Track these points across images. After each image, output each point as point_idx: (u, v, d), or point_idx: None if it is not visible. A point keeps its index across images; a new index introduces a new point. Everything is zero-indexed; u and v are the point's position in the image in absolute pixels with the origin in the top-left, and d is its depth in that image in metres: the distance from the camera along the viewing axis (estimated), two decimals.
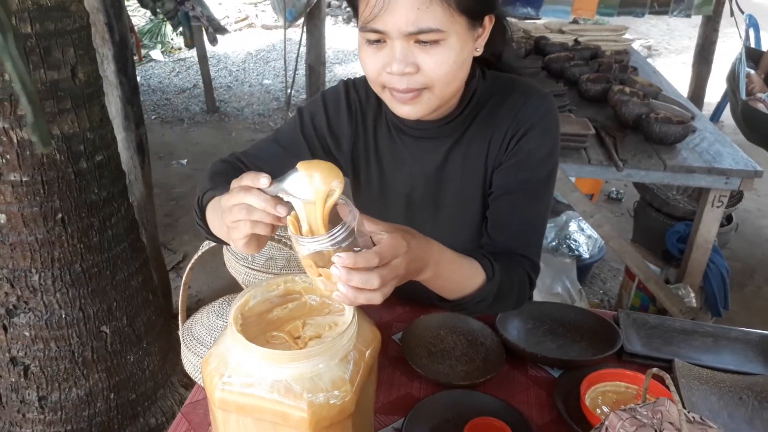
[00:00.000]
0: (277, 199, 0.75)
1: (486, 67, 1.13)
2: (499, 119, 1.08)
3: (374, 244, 0.78)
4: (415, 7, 0.86)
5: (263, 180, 0.76)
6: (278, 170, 1.21)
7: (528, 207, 1.10)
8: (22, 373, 1.98)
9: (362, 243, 0.75)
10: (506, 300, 1.06)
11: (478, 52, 1.00)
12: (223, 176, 1.14)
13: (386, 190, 1.20)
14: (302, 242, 0.73)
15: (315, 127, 1.17)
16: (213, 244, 1.09)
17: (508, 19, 1.11)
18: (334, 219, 0.75)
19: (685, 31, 9.54)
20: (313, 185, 0.73)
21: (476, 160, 1.12)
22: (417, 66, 0.91)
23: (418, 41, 0.89)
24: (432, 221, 1.19)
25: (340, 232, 0.72)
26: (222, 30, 5.46)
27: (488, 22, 0.98)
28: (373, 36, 0.91)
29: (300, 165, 0.74)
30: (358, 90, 1.17)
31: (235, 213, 0.77)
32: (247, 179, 0.77)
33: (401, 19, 0.87)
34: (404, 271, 0.79)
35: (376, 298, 0.75)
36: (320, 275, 0.75)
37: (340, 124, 1.17)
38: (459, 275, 0.97)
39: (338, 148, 1.19)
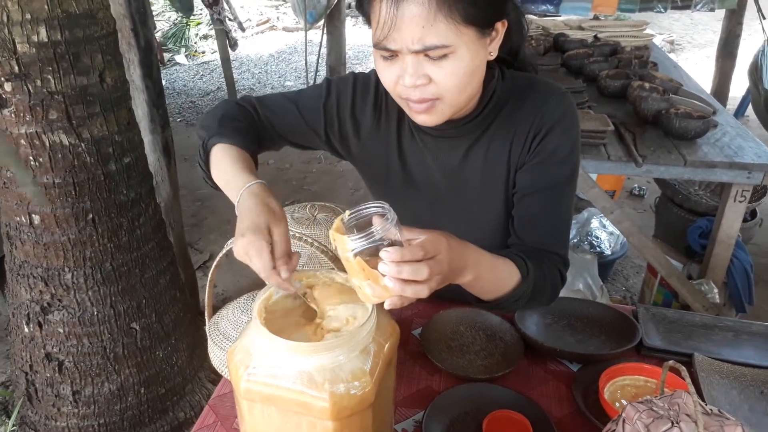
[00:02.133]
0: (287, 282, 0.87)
1: (504, 65, 1.14)
2: (519, 119, 1.09)
3: None
4: (420, 26, 0.87)
5: (284, 274, 0.85)
6: (287, 130, 1.21)
7: (554, 205, 1.12)
8: (56, 368, 2.05)
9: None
10: (541, 297, 1.08)
11: (492, 56, 1.00)
12: (234, 121, 1.14)
13: (409, 187, 1.22)
14: (348, 241, 0.77)
15: (339, 106, 1.18)
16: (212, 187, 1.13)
17: (526, 16, 1.12)
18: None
19: (709, 24, 9.37)
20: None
21: (498, 160, 1.13)
22: (428, 77, 0.93)
23: (427, 55, 0.91)
24: (456, 218, 1.21)
25: (383, 226, 0.76)
26: (241, 27, 5.58)
27: (501, 27, 0.99)
28: (385, 53, 0.94)
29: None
30: None
31: (243, 253, 0.86)
32: (266, 259, 0.85)
33: (408, 38, 0.89)
34: (448, 268, 0.82)
35: (423, 291, 0.78)
36: (368, 278, 0.78)
37: (364, 112, 1.18)
38: (496, 275, 0.99)
39: (356, 135, 1.20)
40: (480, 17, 0.91)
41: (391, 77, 0.97)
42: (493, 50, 1.00)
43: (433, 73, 0.93)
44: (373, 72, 1.20)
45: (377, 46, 0.94)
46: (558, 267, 1.11)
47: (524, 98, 1.09)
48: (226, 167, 1.02)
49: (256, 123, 1.19)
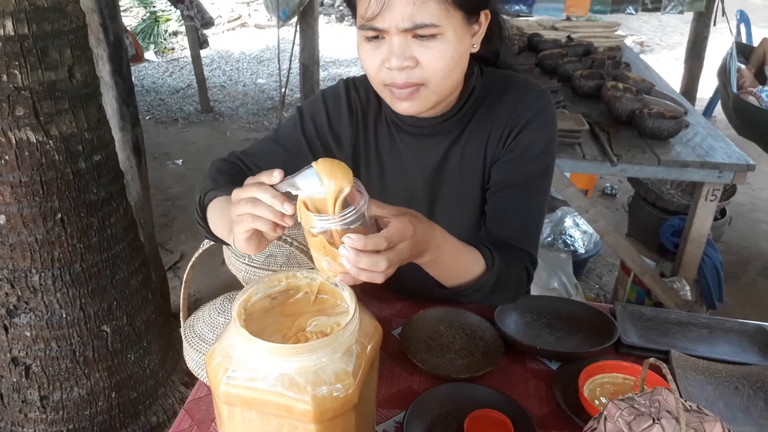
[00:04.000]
0: (285, 197, 0.76)
1: (484, 64, 1.14)
2: (496, 115, 1.09)
3: (379, 227, 0.80)
4: (411, 3, 0.88)
5: (275, 174, 0.77)
6: (278, 168, 1.22)
7: (526, 201, 1.12)
8: (23, 373, 1.99)
9: (369, 225, 0.78)
10: (504, 291, 1.07)
11: (476, 49, 1.01)
12: (225, 175, 1.15)
13: (386, 188, 1.21)
14: (314, 220, 0.75)
15: (316, 126, 1.18)
16: (212, 242, 1.10)
17: (502, 16, 1.13)
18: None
19: (677, 26, 9.57)
20: (325, 184, 0.75)
21: (475, 157, 1.13)
22: (415, 60, 0.93)
23: (415, 36, 0.91)
24: (431, 217, 1.20)
25: (350, 213, 0.74)
26: (209, 24, 5.52)
27: (484, 18, 1.00)
28: (371, 33, 0.93)
29: (315, 163, 0.76)
30: (358, 89, 1.18)
31: (241, 206, 0.78)
32: (263, 175, 0.78)
33: (398, 16, 0.88)
34: (408, 255, 0.81)
35: (378, 278, 0.78)
36: (327, 255, 0.77)
37: (341, 123, 1.18)
38: (458, 262, 0.98)
39: (339, 148, 1.20)
40: (468, 1, 0.93)
41: (375, 61, 0.95)
42: (476, 43, 1.01)
43: (420, 54, 0.92)
44: (341, 81, 1.20)
45: (364, 26, 0.92)
46: (525, 264, 1.11)
47: (502, 94, 1.10)
48: (224, 214, 0.98)
49: (246, 173, 1.19)
